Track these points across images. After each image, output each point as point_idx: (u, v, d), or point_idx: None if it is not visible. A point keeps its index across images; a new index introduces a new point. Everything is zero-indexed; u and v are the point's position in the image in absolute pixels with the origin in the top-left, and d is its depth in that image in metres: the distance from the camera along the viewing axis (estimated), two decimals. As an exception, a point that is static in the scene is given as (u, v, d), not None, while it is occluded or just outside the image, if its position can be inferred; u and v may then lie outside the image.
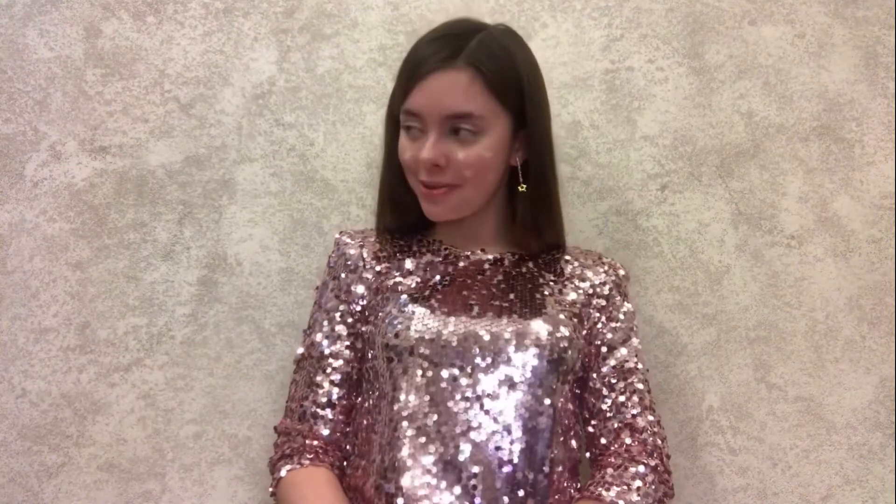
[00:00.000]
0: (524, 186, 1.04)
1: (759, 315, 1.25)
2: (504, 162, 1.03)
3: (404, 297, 1.01)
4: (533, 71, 1.03)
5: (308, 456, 0.99)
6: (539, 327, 0.98)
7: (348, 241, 1.09)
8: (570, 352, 0.98)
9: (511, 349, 0.96)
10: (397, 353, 0.96)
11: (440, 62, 0.97)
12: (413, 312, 0.98)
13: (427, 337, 0.96)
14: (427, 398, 0.95)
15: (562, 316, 1.00)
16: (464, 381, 0.95)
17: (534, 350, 0.96)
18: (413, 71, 0.99)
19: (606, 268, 1.09)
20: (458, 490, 0.92)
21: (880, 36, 1.28)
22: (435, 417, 0.94)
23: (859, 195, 1.27)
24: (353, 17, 1.25)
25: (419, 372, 0.96)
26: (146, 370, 1.20)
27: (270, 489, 1.01)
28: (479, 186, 1.02)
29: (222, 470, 1.19)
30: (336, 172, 1.24)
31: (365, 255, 1.07)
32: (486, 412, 0.94)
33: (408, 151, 1.01)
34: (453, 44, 0.98)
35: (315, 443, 1.01)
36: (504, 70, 0.99)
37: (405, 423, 0.95)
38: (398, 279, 1.04)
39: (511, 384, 0.95)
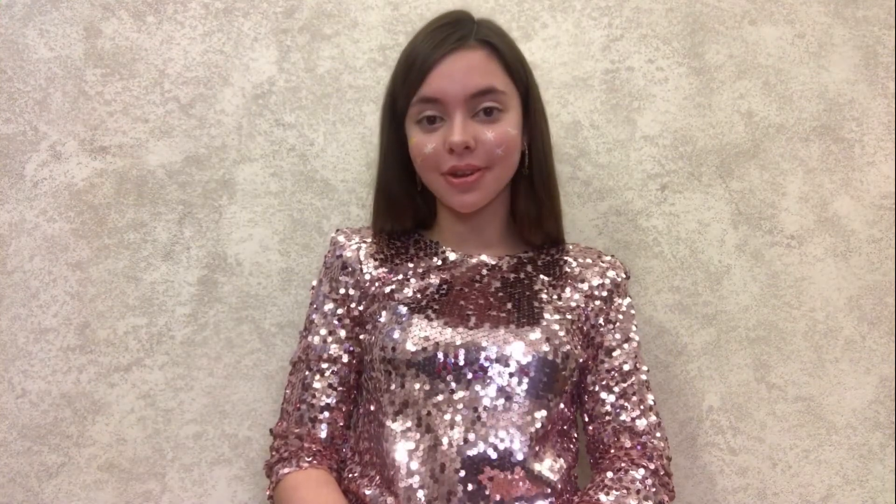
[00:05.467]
0: (527, 170, 1.04)
1: (759, 315, 1.25)
2: (520, 146, 1.03)
3: (401, 307, 1.00)
4: (525, 59, 1.05)
5: (307, 459, 0.98)
6: (536, 338, 0.97)
7: (344, 241, 1.08)
8: (566, 362, 0.98)
9: (508, 361, 0.95)
10: (395, 365, 0.96)
11: (454, 44, 0.97)
12: (410, 324, 0.97)
13: (424, 349, 0.96)
14: (425, 410, 0.94)
15: (559, 325, 0.99)
16: (460, 392, 0.95)
17: (530, 362, 0.96)
18: (424, 59, 0.97)
19: (606, 267, 1.07)
20: (456, 499, 0.91)
21: (880, 36, 1.28)
22: (432, 429, 0.94)
23: (859, 195, 1.27)
24: (353, 17, 1.25)
25: (416, 384, 0.95)
26: (146, 370, 1.20)
27: (268, 492, 1.00)
28: (507, 167, 1.01)
29: (222, 470, 1.19)
30: (336, 172, 1.24)
31: (362, 257, 1.05)
32: (483, 423, 0.93)
33: (428, 144, 0.98)
34: (459, 28, 0.99)
35: (313, 446, 1.00)
36: (512, 49, 1.02)
37: (403, 434, 0.95)
38: (395, 286, 1.02)
39: (508, 395, 0.95)
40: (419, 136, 1.00)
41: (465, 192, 0.99)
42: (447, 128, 0.97)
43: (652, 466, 0.98)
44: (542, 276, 1.05)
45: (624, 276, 1.08)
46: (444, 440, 0.93)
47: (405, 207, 1.07)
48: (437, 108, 0.98)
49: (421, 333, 0.97)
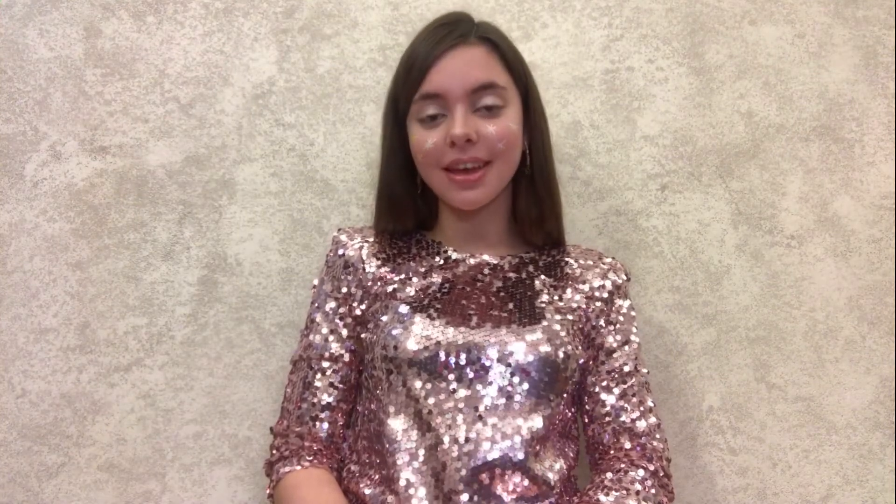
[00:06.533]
0: (528, 170, 1.04)
1: (759, 315, 1.25)
2: (521, 143, 1.03)
3: (403, 306, 1.00)
4: (524, 60, 1.06)
5: (307, 457, 0.98)
6: (537, 338, 0.97)
7: (347, 240, 1.08)
8: (567, 362, 0.98)
9: (509, 361, 0.95)
10: (396, 365, 0.96)
11: (454, 41, 0.98)
12: (412, 323, 0.97)
13: (425, 348, 0.95)
14: (425, 410, 0.94)
15: (560, 326, 0.99)
16: (461, 392, 0.95)
17: (532, 362, 0.96)
18: (425, 57, 0.98)
19: (606, 269, 1.07)
20: (456, 499, 0.91)
21: (880, 36, 1.28)
22: (432, 429, 0.94)
23: (859, 195, 1.27)
24: (353, 17, 1.25)
25: (417, 384, 0.95)
26: (146, 370, 1.20)
27: (268, 491, 1.00)
28: (509, 162, 1.01)
29: (222, 470, 1.19)
30: (336, 172, 1.24)
31: (364, 256, 1.05)
32: (484, 423, 0.93)
33: (429, 140, 0.99)
34: (459, 26, 1.01)
35: (314, 445, 1.00)
36: (512, 49, 1.04)
37: (403, 434, 0.95)
38: (397, 285, 1.02)
39: (509, 395, 0.95)
40: (420, 132, 1.00)
41: (468, 188, 1.00)
42: (448, 123, 0.98)
43: (651, 467, 0.98)
44: (543, 277, 1.05)
45: (624, 277, 1.08)
46: (445, 439, 0.93)
47: (407, 208, 1.07)
48: (439, 104, 0.98)
49: (423, 332, 0.97)
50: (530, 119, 1.04)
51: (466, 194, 1.00)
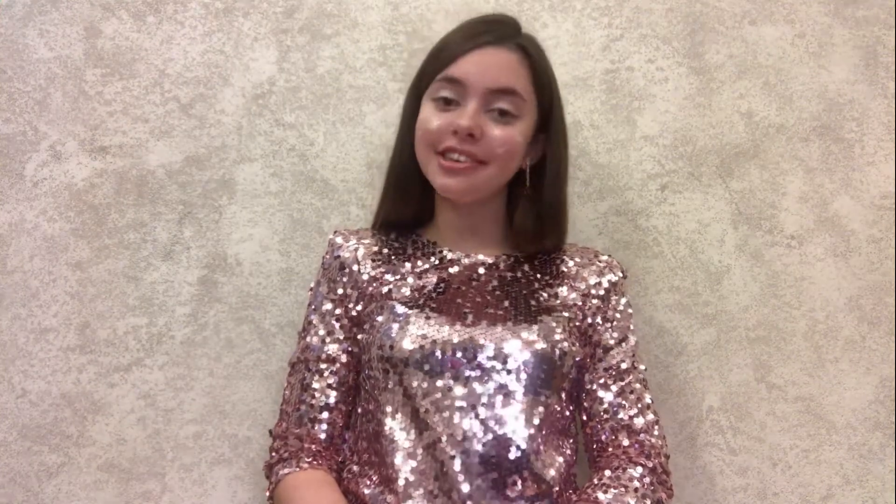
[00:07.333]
0: (528, 189, 1.05)
1: (759, 315, 1.25)
2: (522, 157, 1.03)
3: (399, 306, 1.00)
4: (556, 81, 1.07)
5: (306, 459, 0.98)
6: (533, 336, 0.97)
7: (342, 242, 1.08)
8: (564, 360, 0.98)
9: (505, 358, 0.96)
10: (392, 364, 0.96)
11: (495, 38, 1.00)
12: (408, 323, 0.98)
13: (422, 347, 0.96)
14: (422, 408, 0.94)
15: (556, 323, 1.00)
16: (458, 390, 0.95)
17: (528, 359, 0.96)
18: (461, 43, 1.00)
19: (603, 266, 1.08)
20: (455, 497, 0.91)
21: (880, 36, 1.28)
22: (430, 427, 0.94)
23: (859, 195, 1.27)
24: (353, 17, 1.26)
25: (414, 383, 0.95)
26: (146, 370, 1.20)
27: (267, 493, 1.00)
28: (503, 170, 1.01)
29: (222, 470, 1.19)
30: (336, 172, 1.24)
31: (360, 257, 1.06)
32: (482, 421, 0.94)
33: (435, 121, 0.99)
34: (505, 28, 1.03)
35: (313, 446, 1.00)
36: (546, 67, 1.05)
37: (401, 433, 0.95)
38: (392, 286, 1.02)
39: (506, 393, 0.95)
40: (429, 110, 1.01)
41: (452, 175, 1.00)
42: (459, 113, 0.98)
43: (650, 464, 0.98)
44: (539, 275, 1.06)
45: (621, 275, 1.09)
46: (443, 438, 0.93)
47: (413, 195, 1.07)
48: (456, 90, 0.99)
49: (418, 332, 0.97)
50: (550, 140, 1.05)
51: (448, 180, 1.00)
